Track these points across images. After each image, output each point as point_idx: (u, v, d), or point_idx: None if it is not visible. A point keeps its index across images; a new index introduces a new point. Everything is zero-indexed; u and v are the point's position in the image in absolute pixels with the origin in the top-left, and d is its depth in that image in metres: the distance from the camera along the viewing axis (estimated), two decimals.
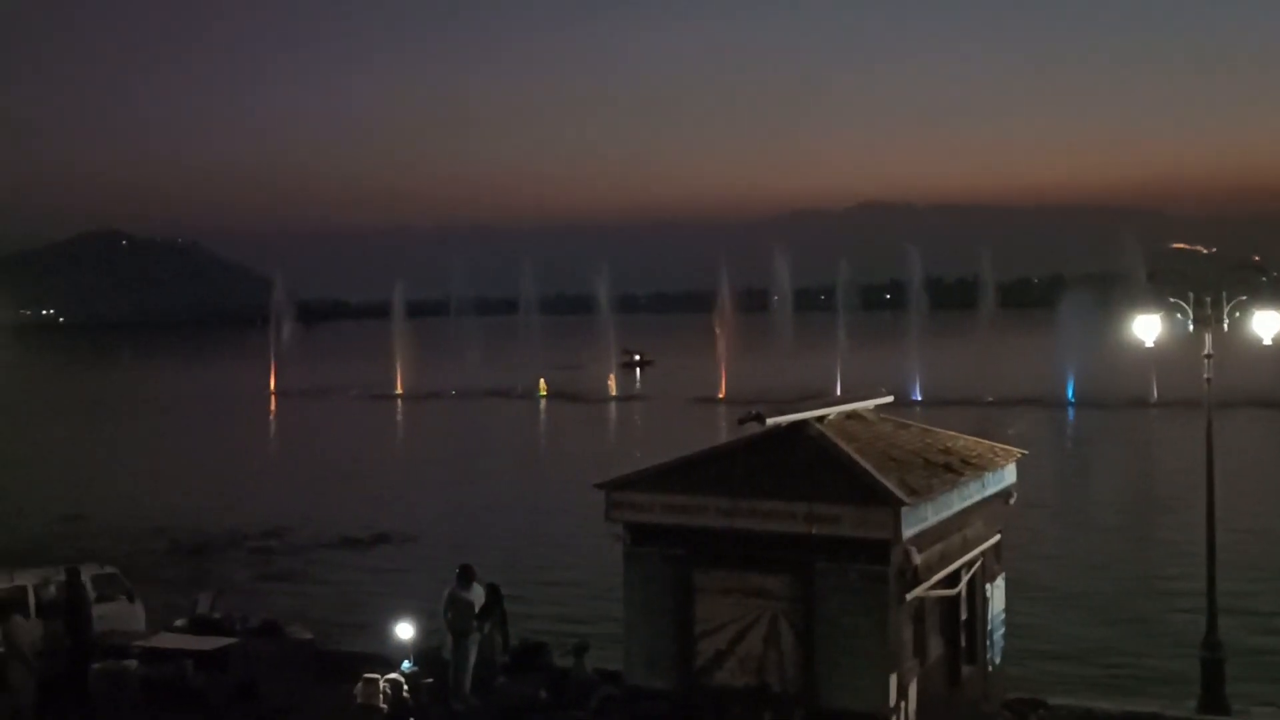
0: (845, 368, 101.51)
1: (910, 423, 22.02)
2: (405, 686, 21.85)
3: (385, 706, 21.64)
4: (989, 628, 20.69)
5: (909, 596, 17.11)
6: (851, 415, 20.32)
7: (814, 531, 16.83)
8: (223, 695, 23.09)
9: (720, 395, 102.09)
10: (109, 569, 27.31)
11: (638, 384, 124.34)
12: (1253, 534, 40.23)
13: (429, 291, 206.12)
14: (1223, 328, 23.53)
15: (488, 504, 54.25)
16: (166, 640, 24.83)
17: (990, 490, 20.21)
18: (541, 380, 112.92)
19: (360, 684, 21.91)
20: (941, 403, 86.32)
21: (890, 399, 22.47)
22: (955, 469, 19.08)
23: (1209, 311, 23.40)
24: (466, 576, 22.76)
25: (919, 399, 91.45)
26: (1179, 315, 23.75)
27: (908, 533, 16.65)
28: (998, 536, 20.76)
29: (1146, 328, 24.25)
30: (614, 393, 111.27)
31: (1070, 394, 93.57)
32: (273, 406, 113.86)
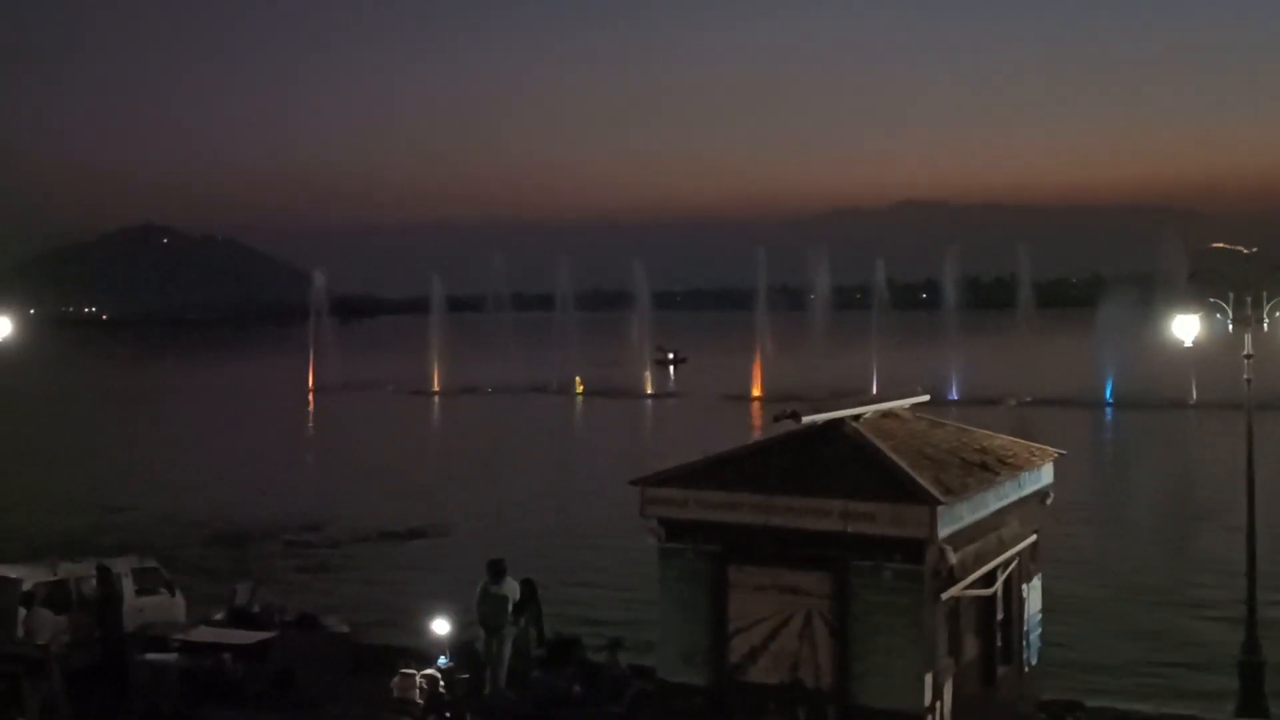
0: (881, 366, 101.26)
1: (946, 422, 21.95)
2: (441, 681, 21.95)
3: (421, 701, 21.74)
4: (1025, 628, 20.62)
5: (944, 596, 17.07)
6: (887, 414, 20.30)
7: (849, 529, 16.82)
8: (260, 687, 23.27)
9: (756, 393, 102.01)
10: (149, 562, 27.55)
11: (671, 381, 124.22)
12: None
13: (466, 287, 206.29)
14: (1263, 327, 23.34)
15: (523, 499, 54.38)
16: (205, 633, 25.06)
17: (1027, 490, 20.15)
18: (578, 377, 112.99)
19: (397, 678, 22.04)
20: (978, 402, 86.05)
21: (926, 398, 22.41)
22: (991, 468, 19.03)
23: (1249, 311, 23.20)
24: (498, 571, 22.84)
25: (956, 398, 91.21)
26: (1218, 315, 23.60)
27: (943, 532, 16.62)
28: (1034, 536, 20.69)
29: (1185, 327, 24.10)
30: (650, 390, 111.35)
31: (1108, 394, 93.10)
32: (311, 402, 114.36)
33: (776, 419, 18.41)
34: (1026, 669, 20.86)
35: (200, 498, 54.96)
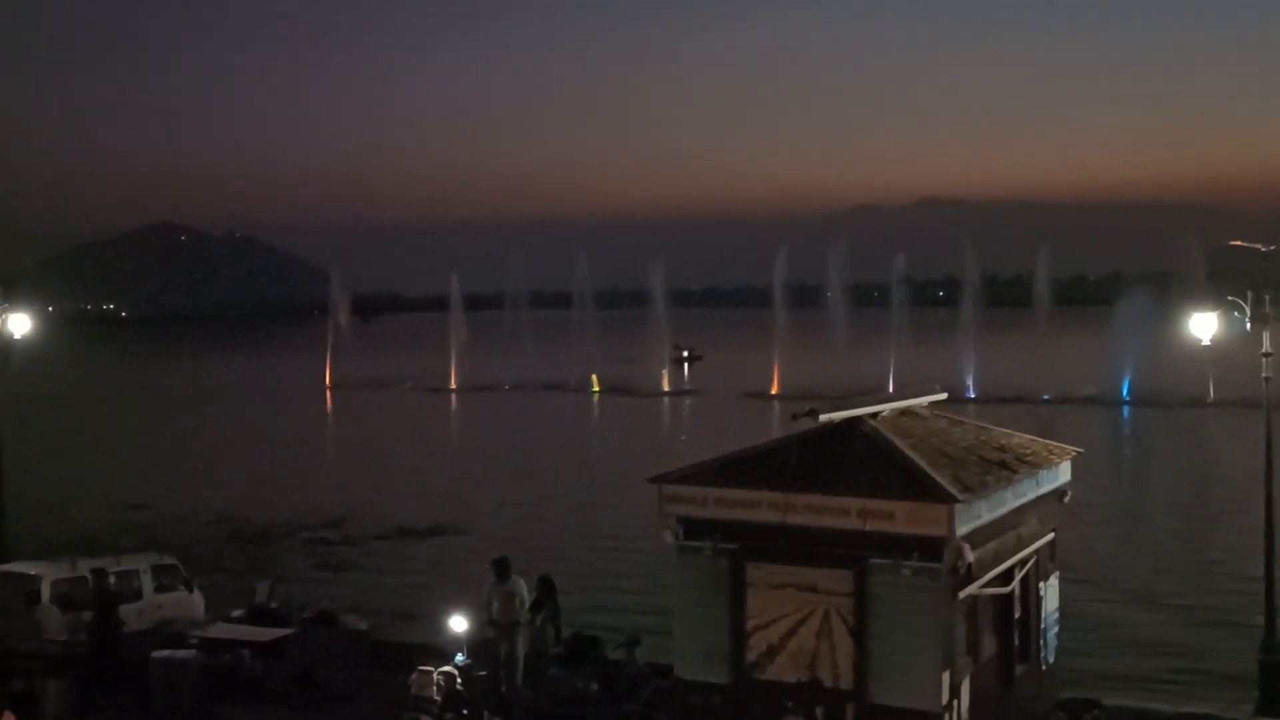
0: (900, 364, 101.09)
1: (965, 420, 21.92)
2: (458, 678, 21.98)
3: (439, 698, 21.78)
4: (1043, 626, 20.58)
5: (962, 594, 17.03)
6: (906, 412, 20.27)
7: (867, 527, 16.80)
8: (279, 684, 23.34)
9: (774, 390, 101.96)
10: (168, 559, 27.70)
11: (686, 379, 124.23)
12: None
13: (484, 285, 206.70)
14: None
15: (541, 497, 54.50)
16: (224, 630, 25.17)
17: (1045, 488, 20.10)
18: (594, 375, 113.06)
19: (414, 675, 22.07)
20: (997, 400, 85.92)
21: (944, 396, 22.37)
22: (1010, 466, 18.99)
23: (1267, 309, 23.09)
24: (503, 569, 22.84)
25: (974, 396, 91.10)
26: (1236, 313, 23.51)
27: (961, 530, 16.58)
28: (1052, 534, 20.65)
29: (1203, 325, 24.01)
30: (667, 388, 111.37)
31: (1126, 392, 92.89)
32: (329, 399, 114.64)
33: (795, 417, 18.38)
34: (1044, 667, 20.81)
35: (219, 495, 55.17)
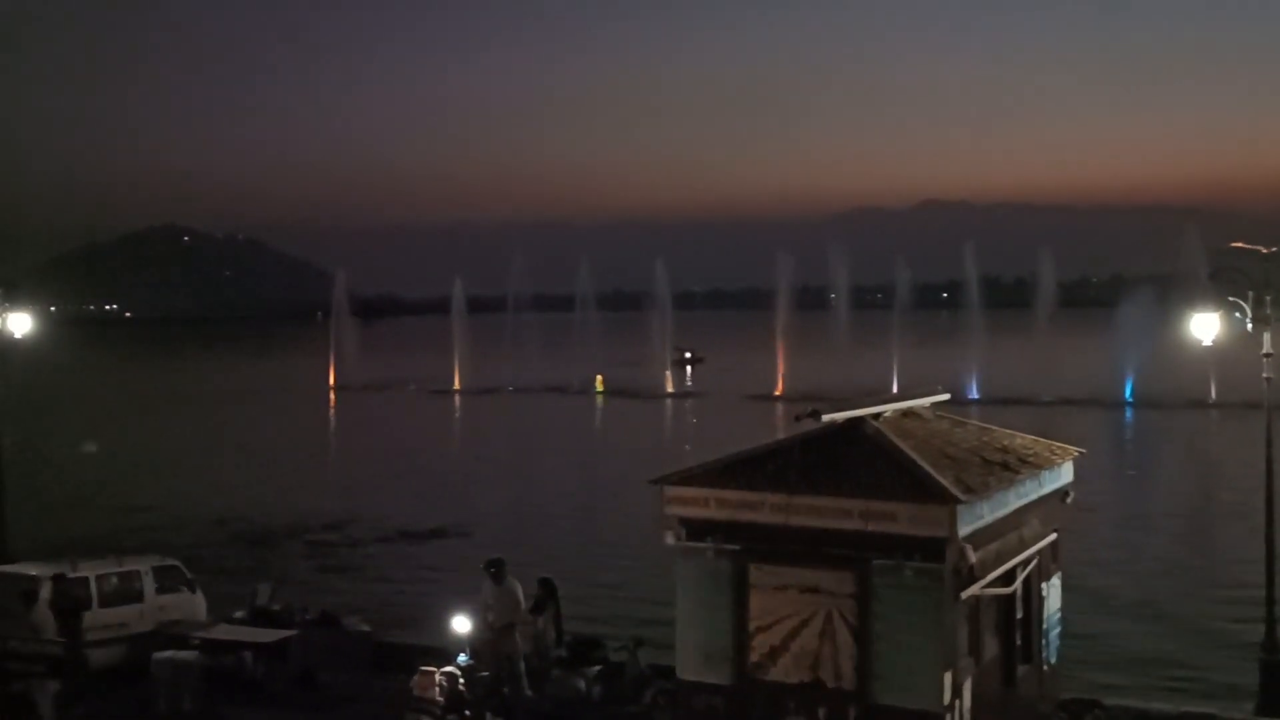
0: (903, 366, 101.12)
1: (967, 421, 21.95)
2: (461, 679, 21.99)
3: (441, 699, 21.79)
4: (1045, 627, 20.59)
5: (964, 595, 17.03)
6: (908, 413, 20.27)
7: (870, 528, 16.81)
8: (281, 685, 23.36)
9: (777, 392, 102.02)
10: (170, 561, 27.67)
11: (688, 381, 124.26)
12: None
13: (488, 287, 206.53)
14: None
15: (544, 499, 54.52)
16: (226, 631, 25.19)
17: (1047, 489, 20.11)
18: (598, 376, 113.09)
19: (416, 676, 22.08)
20: (1000, 402, 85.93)
21: (947, 397, 22.38)
22: (1012, 467, 19.00)
23: (1268, 310, 23.11)
24: (499, 571, 22.87)
25: (977, 398, 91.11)
26: (1237, 314, 23.52)
27: (964, 531, 16.59)
28: (1054, 535, 20.66)
29: (1204, 327, 24.01)
30: (670, 389, 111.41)
31: (1128, 394, 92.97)
32: (332, 401, 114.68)
33: (797, 418, 18.38)
34: (1046, 667, 20.83)
35: (222, 497, 55.17)
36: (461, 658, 22.73)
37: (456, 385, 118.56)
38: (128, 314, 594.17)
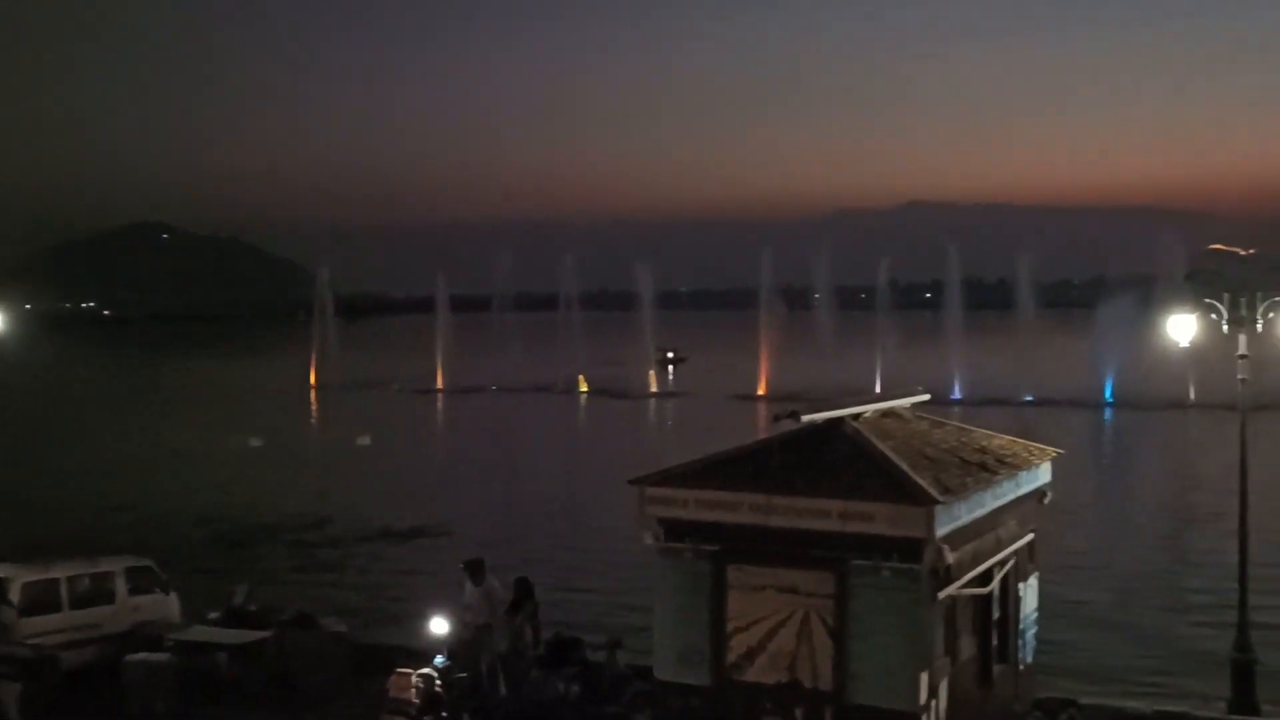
0: (885, 366, 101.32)
1: (946, 421, 21.96)
2: (438, 680, 21.91)
3: (418, 700, 21.70)
4: (1021, 627, 20.64)
5: (941, 595, 17.06)
6: (888, 413, 20.29)
7: (848, 529, 16.81)
8: (257, 687, 23.25)
9: (760, 392, 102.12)
10: (143, 561, 27.47)
11: (670, 381, 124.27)
12: None
13: (471, 287, 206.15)
14: (1257, 329, 23.32)
15: (525, 499, 54.47)
16: (201, 633, 25.06)
17: (1024, 489, 20.15)
18: (582, 376, 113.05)
19: (392, 677, 22.00)
20: (981, 402, 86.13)
21: (927, 397, 22.40)
22: (990, 468, 19.02)
23: (1244, 312, 23.19)
24: (477, 570, 22.71)
25: (959, 398, 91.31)
26: (1214, 316, 23.57)
27: (941, 531, 16.61)
28: (1031, 535, 20.69)
29: (1181, 328, 24.06)
30: (654, 389, 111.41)
31: (1108, 395, 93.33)
32: (313, 400, 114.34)
33: (776, 418, 18.41)
34: (1022, 667, 20.87)
35: (198, 496, 54.98)
36: (439, 659, 22.64)
37: (439, 385, 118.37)
38: (106, 312, 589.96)
